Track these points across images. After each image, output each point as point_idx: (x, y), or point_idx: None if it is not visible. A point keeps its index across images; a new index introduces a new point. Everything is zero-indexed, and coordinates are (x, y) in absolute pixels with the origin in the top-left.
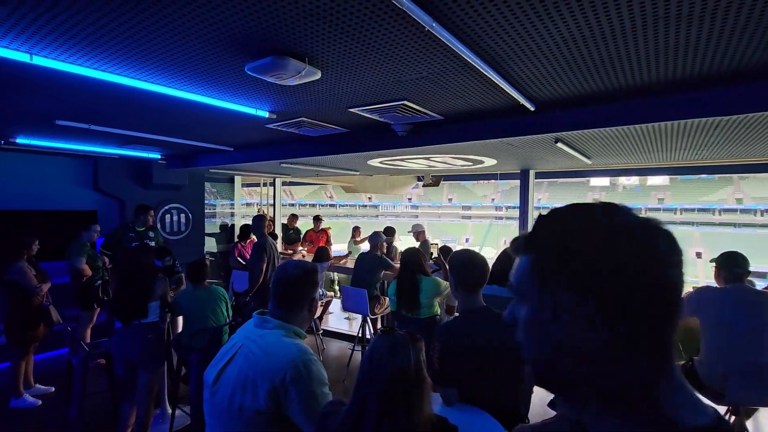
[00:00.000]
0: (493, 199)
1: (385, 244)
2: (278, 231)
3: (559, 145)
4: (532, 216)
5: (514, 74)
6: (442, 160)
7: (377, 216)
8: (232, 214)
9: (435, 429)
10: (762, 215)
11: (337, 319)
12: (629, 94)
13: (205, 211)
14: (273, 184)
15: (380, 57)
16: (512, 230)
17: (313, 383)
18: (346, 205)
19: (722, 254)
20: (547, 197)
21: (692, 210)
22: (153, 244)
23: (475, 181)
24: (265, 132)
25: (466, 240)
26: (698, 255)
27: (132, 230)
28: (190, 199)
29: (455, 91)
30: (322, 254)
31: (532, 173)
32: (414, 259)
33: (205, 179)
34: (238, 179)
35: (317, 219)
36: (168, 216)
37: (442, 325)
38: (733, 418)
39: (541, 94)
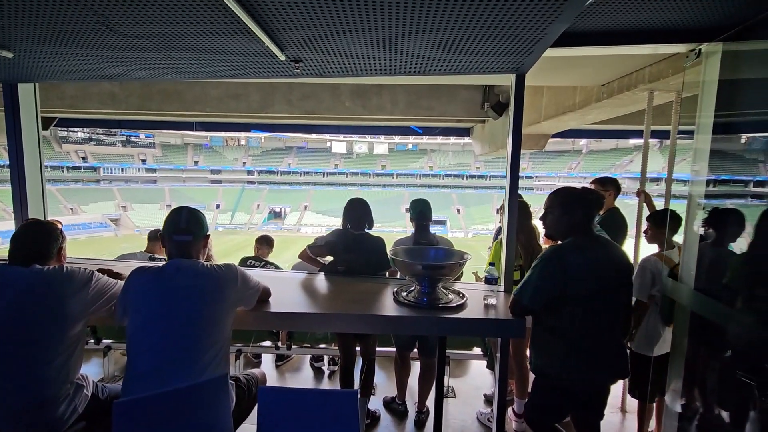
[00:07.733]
0: (244, 163)
1: None
2: None
3: None
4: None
5: None
6: None
7: (98, 181)
8: None
9: None
10: (443, 179)
11: None
12: None
13: None
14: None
15: None
16: (264, 194)
17: None
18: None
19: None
20: (297, 161)
21: (404, 174)
22: None
23: (225, 144)
24: None
25: (217, 206)
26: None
27: None
28: None
29: None
30: None
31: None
32: None
33: None
34: None
35: None
36: None
37: None
38: None
39: None
